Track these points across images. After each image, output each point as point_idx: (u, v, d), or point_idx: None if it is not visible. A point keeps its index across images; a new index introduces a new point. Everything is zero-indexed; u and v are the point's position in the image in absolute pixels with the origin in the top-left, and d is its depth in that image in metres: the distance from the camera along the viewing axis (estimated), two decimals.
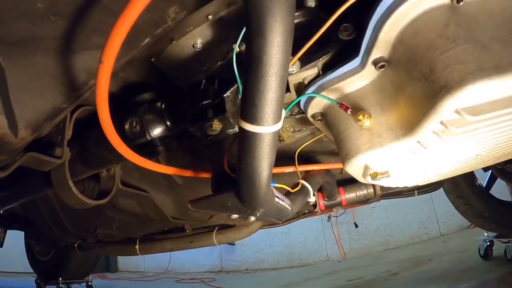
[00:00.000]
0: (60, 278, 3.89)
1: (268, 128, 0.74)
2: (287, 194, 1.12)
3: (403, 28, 0.83)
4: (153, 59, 1.21)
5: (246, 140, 0.76)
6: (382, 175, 0.97)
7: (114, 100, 1.20)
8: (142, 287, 5.48)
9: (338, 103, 0.89)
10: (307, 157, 1.51)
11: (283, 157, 1.37)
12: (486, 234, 3.36)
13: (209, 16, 1.07)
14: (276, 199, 0.96)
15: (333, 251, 6.51)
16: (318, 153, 1.52)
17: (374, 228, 6.41)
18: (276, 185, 1.02)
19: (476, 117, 0.79)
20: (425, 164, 1.01)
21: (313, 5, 1.01)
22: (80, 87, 0.93)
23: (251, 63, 0.65)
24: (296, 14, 1.00)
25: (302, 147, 1.36)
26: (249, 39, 0.63)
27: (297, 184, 1.21)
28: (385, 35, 0.84)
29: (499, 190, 3.52)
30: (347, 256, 6.35)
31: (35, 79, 0.88)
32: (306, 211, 1.88)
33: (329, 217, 6.36)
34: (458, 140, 0.88)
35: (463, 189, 3.20)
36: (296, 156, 1.32)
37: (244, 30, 0.93)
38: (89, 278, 4.30)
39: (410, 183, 1.18)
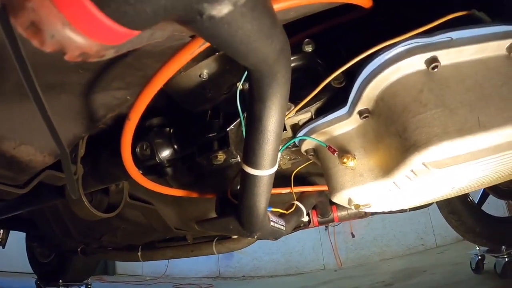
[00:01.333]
0: (61, 281, 3.92)
1: (265, 171, 0.88)
2: (282, 215, 1.24)
3: (384, 89, 0.94)
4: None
5: (247, 180, 0.90)
6: (364, 206, 1.10)
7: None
8: None
9: (327, 146, 1.01)
10: (302, 178, 1.61)
11: (280, 177, 1.48)
12: (477, 248, 3.41)
13: (216, 52, 1.18)
14: (272, 223, 1.09)
15: (329, 260, 6.55)
16: (313, 174, 1.62)
17: (371, 238, 6.46)
18: (272, 209, 1.14)
19: (440, 169, 0.90)
20: (403, 196, 1.12)
21: (310, 50, 1.11)
22: (99, 119, 1.05)
23: (253, 121, 0.77)
24: (293, 58, 1.12)
25: (297, 169, 1.46)
26: (251, 102, 0.75)
27: (292, 205, 1.32)
28: (369, 93, 0.95)
29: (496, 205, 3.59)
30: (343, 265, 6.38)
31: (59, 114, 0.99)
32: (302, 225, 1.98)
33: (326, 226, 6.39)
34: (428, 182, 0.99)
35: (455, 205, 3.27)
36: (292, 178, 1.42)
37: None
38: (89, 280, 4.32)
39: (393, 209, 1.30)
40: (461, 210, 3.27)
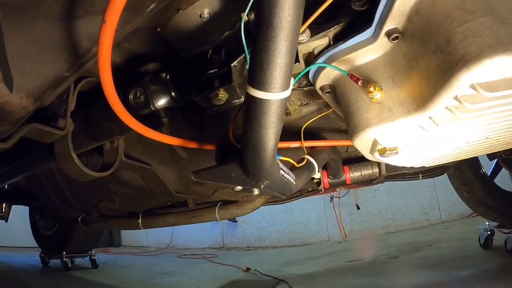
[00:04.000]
0: (64, 252, 3.98)
1: (276, 94, 0.71)
2: (292, 168, 1.10)
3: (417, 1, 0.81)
4: (159, 29, 1.18)
5: (253, 107, 0.73)
6: (390, 151, 0.95)
7: (119, 71, 1.18)
8: (145, 262, 5.48)
9: (348, 74, 0.87)
10: (313, 134, 1.49)
11: (289, 132, 1.36)
12: (487, 223, 3.34)
13: None
14: (281, 172, 0.94)
15: (334, 232, 6.55)
16: (325, 130, 1.50)
17: (376, 211, 6.45)
18: (282, 158, 1.00)
19: (491, 93, 0.76)
20: (434, 143, 0.99)
21: None
22: (84, 54, 0.91)
23: (261, 26, 0.62)
24: None
25: (308, 122, 1.33)
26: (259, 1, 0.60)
27: (303, 159, 1.18)
28: (400, 5, 0.81)
29: (502, 180, 3.50)
30: (347, 237, 6.39)
31: (36, 45, 0.85)
32: (310, 189, 1.86)
33: (331, 198, 6.39)
34: (470, 118, 0.85)
35: (467, 176, 3.20)
36: (302, 131, 1.30)
37: None
38: (92, 252, 4.37)
39: (417, 163, 1.17)
40: (473, 182, 3.20)
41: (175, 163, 1.85)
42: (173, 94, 1.19)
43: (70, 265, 4.06)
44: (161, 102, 1.19)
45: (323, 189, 1.73)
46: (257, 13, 0.63)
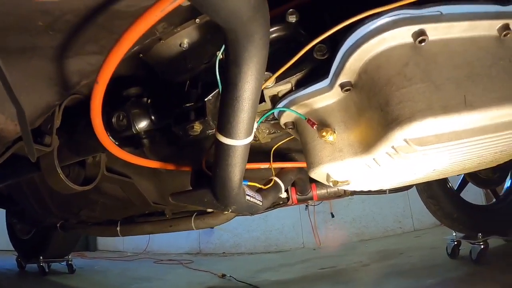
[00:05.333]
0: (41, 257, 3.94)
1: (240, 141, 0.85)
2: (259, 190, 1.22)
3: (368, 61, 0.91)
4: (141, 54, 1.29)
5: (221, 150, 0.87)
6: (342, 183, 1.08)
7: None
8: (121, 267, 5.44)
9: (306, 119, 0.99)
10: (282, 154, 1.60)
11: (260, 152, 1.47)
12: (454, 234, 3.45)
13: (197, 20, 1.15)
14: (247, 197, 1.07)
15: (309, 239, 6.62)
16: (293, 151, 1.61)
17: (350, 219, 6.54)
18: (249, 183, 1.12)
19: (422, 147, 0.88)
20: (382, 175, 1.11)
21: (293, 21, 1.09)
22: (73, 86, 1.02)
23: (228, 87, 0.75)
24: (276, 28, 1.10)
25: (278, 145, 1.44)
26: (227, 66, 0.73)
27: (270, 180, 1.31)
28: (351, 65, 0.92)
29: (474, 193, 3.67)
30: (322, 244, 6.45)
31: (31, 79, 0.96)
32: (281, 202, 1.98)
33: (306, 206, 6.46)
34: (409, 161, 0.97)
35: (434, 190, 3.31)
36: (271, 153, 1.40)
37: None
38: (69, 257, 4.33)
39: (372, 188, 1.29)
40: (440, 196, 3.33)
41: (154, 176, 1.95)
42: (153, 118, 1.30)
43: (47, 269, 4.03)
44: (142, 125, 1.29)
45: (292, 203, 1.85)
46: (225, 75, 0.75)
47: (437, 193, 3.33)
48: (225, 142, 0.85)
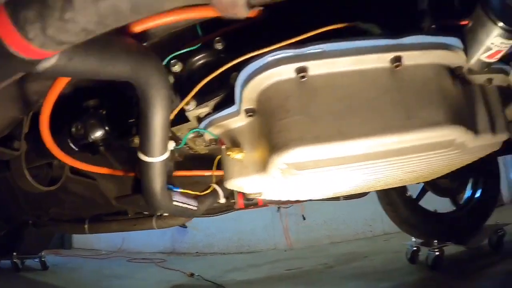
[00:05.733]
0: (15, 253, 4.01)
1: (156, 159, 1.08)
2: (196, 196, 1.41)
3: (261, 92, 1.03)
4: None
5: (142, 165, 1.10)
6: (255, 195, 1.25)
7: (65, 102, 1.46)
8: (95, 265, 5.52)
9: (218, 138, 1.16)
10: None
11: (207, 159, 1.65)
12: (413, 239, 3.55)
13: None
14: (175, 203, 1.26)
15: (280, 240, 6.70)
16: None
17: (322, 221, 6.63)
18: (181, 190, 1.32)
19: (300, 171, 1.00)
20: (288, 190, 1.27)
21: (220, 48, 1.21)
22: (33, 104, 1.22)
23: (142, 118, 0.96)
24: (204, 55, 1.24)
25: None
26: (139, 101, 0.93)
27: (209, 187, 1.49)
28: (247, 95, 1.05)
29: (446, 200, 3.76)
30: (293, 246, 6.54)
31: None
32: (227, 206, 2.13)
33: (278, 208, 6.44)
34: (301, 180, 1.12)
35: (392, 197, 3.41)
36: (215, 162, 1.50)
37: (166, 60, 1.18)
38: (43, 254, 4.40)
39: (288, 199, 1.45)
40: (398, 203, 3.44)
41: (116, 178, 2.11)
42: (107, 128, 1.47)
43: (20, 266, 4.09)
44: (97, 134, 1.46)
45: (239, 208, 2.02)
46: (139, 108, 0.95)
47: (395, 200, 3.45)
48: (144, 160, 1.07)
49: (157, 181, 1.13)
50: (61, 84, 0.92)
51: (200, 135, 1.32)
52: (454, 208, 3.75)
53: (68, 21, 0.51)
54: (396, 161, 1.10)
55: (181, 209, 1.30)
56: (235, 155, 1.10)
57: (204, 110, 1.18)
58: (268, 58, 0.97)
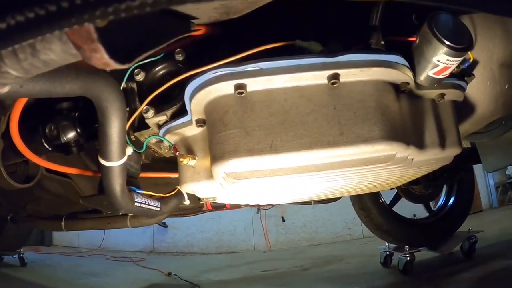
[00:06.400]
0: None
1: (114, 163, 1.14)
2: (160, 197, 1.48)
3: (206, 105, 1.07)
4: None
5: (102, 169, 1.16)
6: (208, 199, 1.31)
7: (39, 104, 1.53)
8: (74, 262, 5.53)
9: (172, 145, 1.21)
10: None
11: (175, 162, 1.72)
12: (387, 244, 3.65)
13: None
14: (136, 204, 1.33)
15: (260, 241, 6.81)
16: None
17: (301, 224, 6.75)
18: (143, 192, 1.39)
19: (237, 180, 1.07)
20: (239, 195, 1.33)
21: (180, 59, 1.26)
22: (8, 107, 1.28)
23: (99, 125, 1.03)
24: (165, 65, 1.29)
25: None
26: (97, 112, 1.00)
27: (174, 189, 1.56)
28: (195, 107, 1.08)
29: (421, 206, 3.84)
30: (272, 248, 6.63)
31: None
32: (199, 207, 2.20)
33: (258, 209, 6.59)
34: (248, 188, 1.18)
35: (365, 203, 3.48)
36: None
37: (129, 71, 1.25)
38: (21, 250, 4.42)
39: (242, 203, 1.52)
40: (370, 208, 3.50)
41: (91, 177, 2.17)
42: (78, 130, 1.52)
43: None
44: (69, 135, 1.51)
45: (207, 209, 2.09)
46: (98, 118, 1.02)
47: (368, 206, 3.51)
48: (104, 164, 1.14)
49: (117, 183, 1.19)
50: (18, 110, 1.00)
51: (158, 142, 1.37)
52: (427, 214, 3.84)
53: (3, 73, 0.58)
54: (335, 173, 1.14)
55: (143, 209, 1.36)
56: (187, 161, 1.15)
57: (162, 118, 1.22)
58: (209, 76, 1.01)
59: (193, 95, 1.05)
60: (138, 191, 1.33)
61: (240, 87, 0.99)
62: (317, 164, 1.05)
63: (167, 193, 1.53)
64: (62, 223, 2.69)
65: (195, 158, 1.15)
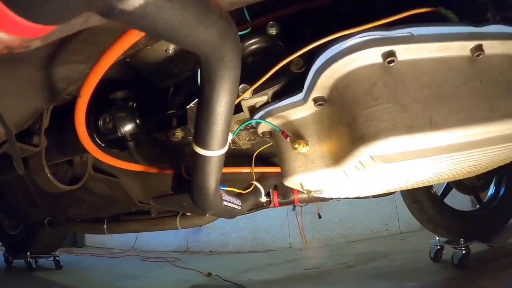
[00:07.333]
0: (28, 253, 3.93)
1: (215, 152, 0.92)
2: (239, 194, 1.28)
3: (338, 79, 0.94)
4: (128, 59, 1.33)
5: (197, 160, 0.94)
6: (315, 192, 1.13)
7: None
8: (108, 264, 5.43)
9: (280, 130, 1.03)
10: (265, 159, 1.65)
11: (244, 156, 1.52)
12: (437, 238, 3.49)
13: None
14: (224, 203, 1.13)
15: (296, 239, 6.64)
16: (275, 156, 1.65)
17: (337, 220, 6.56)
18: (227, 188, 1.18)
19: (386, 163, 0.91)
20: (354, 185, 1.16)
21: (273, 33, 1.12)
22: (60, 92, 1.06)
23: (202, 102, 0.81)
24: (256, 40, 1.15)
25: (259, 150, 1.49)
26: (202, 83, 0.78)
27: (251, 185, 1.36)
28: (323, 82, 0.95)
29: (461, 199, 3.75)
30: (308, 245, 6.48)
31: (20, 86, 1.00)
32: (264, 205, 2.02)
33: (294, 206, 6.39)
34: (378, 175, 1.01)
35: (418, 195, 3.35)
36: (253, 158, 1.43)
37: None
38: (56, 253, 4.31)
39: (348, 196, 1.34)
40: (423, 200, 3.36)
41: (140, 176, 1.99)
42: (138, 121, 1.34)
43: (34, 265, 4.01)
44: (127, 128, 1.33)
45: (274, 206, 1.90)
46: (200, 91, 0.80)
47: (420, 198, 3.36)
48: (201, 153, 0.91)
49: (213, 178, 0.99)
50: (100, 72, 0.77)
51: (249, 128, 1.21)
52: (478, 206, 3.71)
53: None
54: (474, 152, 1.03)
55: (228, 210, 1.16)
56: (301, 148, 0.99)
57: (261, 99, 1.07)
58: (354, 40, 0.89)
59: (325, 66, 0.92)
60: (223, 188, 1.12)
61: (390, 55, 0.89)
62: (465, 142, 0.95)
63: (245, 190, 1.31)
64: (104, 226, 2.56)
65: (307, 144, 1.00)
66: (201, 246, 7.01)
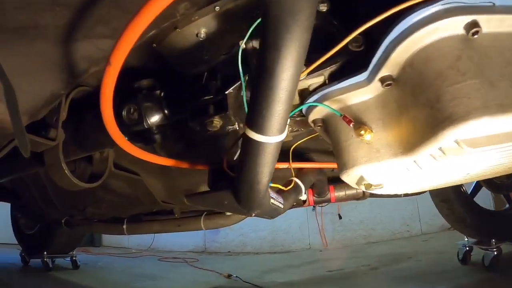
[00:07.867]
0: (45, 252, 3.91)
1: (273, 138, 0.76)
2: (279, 191, 1.13)
3: (415, 53, 0.84)
4: (155, 44, 1.20)
5: (250, 147, 0.78)
6: (376, 187, 0.99)
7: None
8: (126, 264, 5.42)
9: (341, 115, 0.90)
10: (301, 154, 1.52)
11: None
12: (466, 239, 3.40)
13: (216, 8, 1.06)
14: (272, 200, 0.98)
15: (315, 240, 6.56)
16: (312, 151, 1.53)
17: (358, 221, 6.48)
18: (272, 185, 1.03)
19: (473, 149, 0.80)
20: (419, 178, 1.02)
21: (324, 10, 1.01)
22: (80, 74, 0.92)
23: (262, 74, 0.65)
24: None
25: (297, 144, 1.36)
26: (263, 50, 0.63)
27: (290, 181, 1.22)
28: (397, 57, 0.85)
29: (483, 197, 3.59)
30: (329, 246, 6.39)
31: (34, 65, 0.87)
32: (295, 203, 1.90)
33: (314, 207, 6.36)
34: (452, 163, 0.89)
35: (447, 194, 3.27)
36: (290, 153, 1.33)
37: (253, 27, 0.95)
38: (73, 253, 4.32)
39: (402, 192, 1.20)
40: (453, 199, 3.28)
41: (163, 174, 1.87)
42: (166, 112, 1.21)
43: (51, 265, 3.99)
44: (154, 119, 1.21)
45: (308, 205, 1.77)
46: (259, 61, 0.65)
47: (450, 197, 3.29)
48: (256, 139, 0.75)
49: (267, 171, 0.83)
50: (135, 33, 0.61)
51: (295, 116, 1.07)
52: (507, 205, 3.59)
53: None
54: None
55: (274, 208, 1.02)
56: (367, 135, 0.87)
57: (317, 80, 0.95)
58: (437, 7, 0.79)
59: (403, 38, 0.83)
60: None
61: (474, 26, 0.80)
62: None
63: (286, 186, 1.17)
64: (124, 226, 2.45)
65: (372, 131, 0.88)
66: (219, 247, 6.96)
